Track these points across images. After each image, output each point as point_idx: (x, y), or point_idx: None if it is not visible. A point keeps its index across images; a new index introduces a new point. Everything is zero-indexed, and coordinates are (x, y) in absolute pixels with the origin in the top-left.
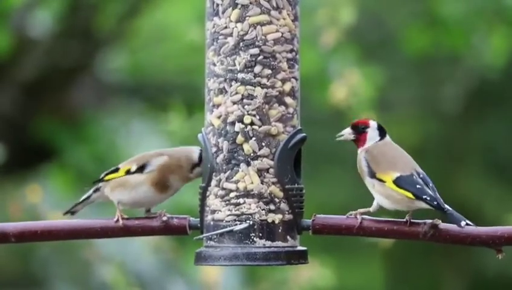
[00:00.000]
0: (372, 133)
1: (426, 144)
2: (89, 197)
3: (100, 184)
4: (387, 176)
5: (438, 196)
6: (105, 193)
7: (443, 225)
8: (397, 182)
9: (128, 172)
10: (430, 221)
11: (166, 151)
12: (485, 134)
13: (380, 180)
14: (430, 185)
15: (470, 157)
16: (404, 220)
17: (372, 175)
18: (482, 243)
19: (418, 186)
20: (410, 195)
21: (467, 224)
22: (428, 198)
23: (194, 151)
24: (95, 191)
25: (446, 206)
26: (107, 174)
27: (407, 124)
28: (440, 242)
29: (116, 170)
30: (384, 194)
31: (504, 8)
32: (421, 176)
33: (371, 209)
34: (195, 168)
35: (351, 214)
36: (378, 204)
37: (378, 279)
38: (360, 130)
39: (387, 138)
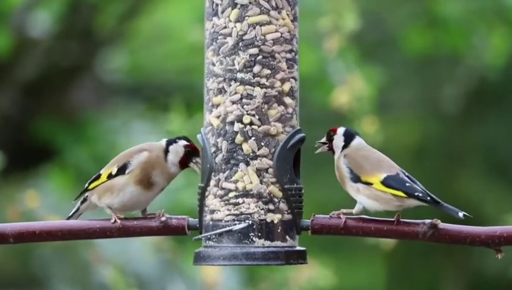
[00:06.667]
0: (337, 140)
1: (426, 144)
2: (77, 209)
3: (86, 194)
4: (374, 178)
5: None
6: (93, 202)
7: (442, 225)
8: (385, 182)
9: (110, 176)
10: (430, 221)
11: (145, 146)
12: (485, 134)
13: (366, 183)
14: (418, 182)
15: (470, 157)
16: (393, 219)
17: (356, 179)
18: (482, 243)
19: (407, 184)
20: (401, 194)
21: (464, 215)
22: (420, 195)
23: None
24: (82, 202)
25: (439, 200)
26: (90, 183)
27: (407, 124)
28: (440, 242)
29: (99, 176)
30: (371, 197)
31: (504, 8)
32: (406, 174)
33: (354, 211)
34: (167, 156)
35: (333, 214)
36: (364, 208)
37: (378, 279)
38: (330, 138)
39: (360, 141)
